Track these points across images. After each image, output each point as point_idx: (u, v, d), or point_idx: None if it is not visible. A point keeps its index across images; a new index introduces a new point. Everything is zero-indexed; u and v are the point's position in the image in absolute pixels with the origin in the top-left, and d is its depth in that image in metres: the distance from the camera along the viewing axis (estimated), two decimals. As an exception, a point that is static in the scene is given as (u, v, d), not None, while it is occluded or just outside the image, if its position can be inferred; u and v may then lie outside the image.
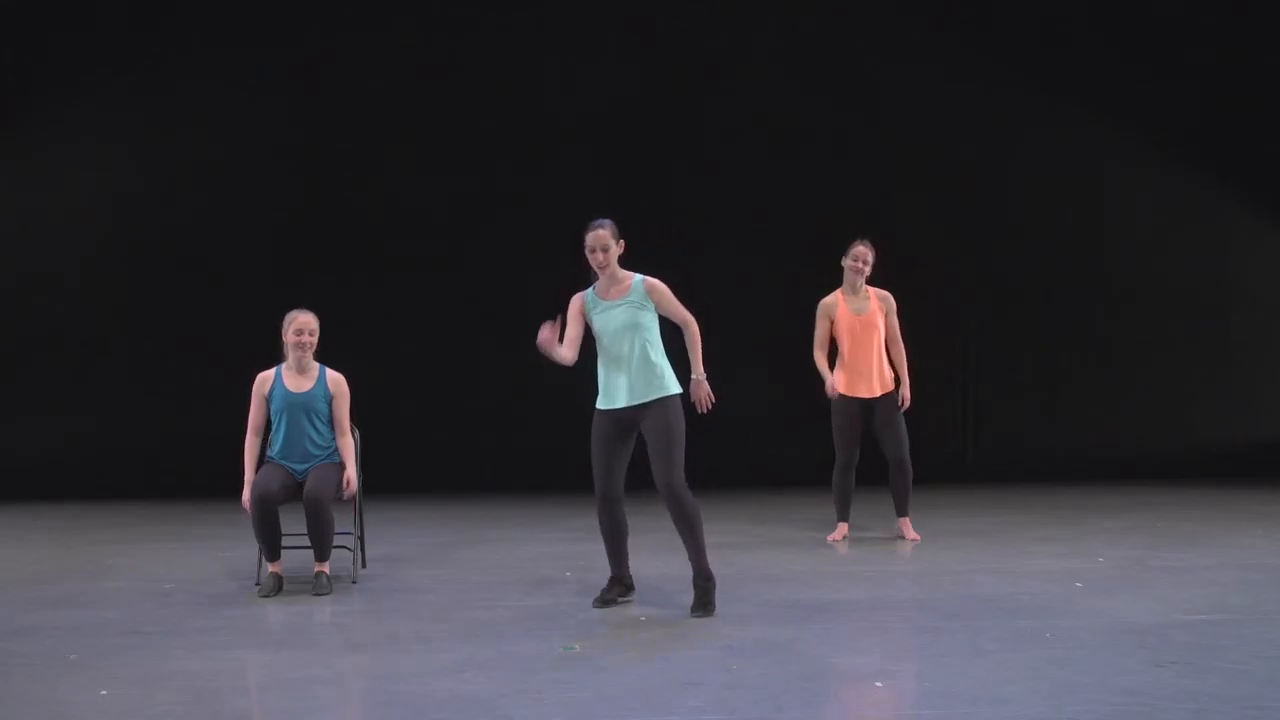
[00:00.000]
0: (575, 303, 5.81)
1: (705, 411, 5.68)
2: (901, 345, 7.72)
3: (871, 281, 7.75)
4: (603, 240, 5.66)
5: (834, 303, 7.70)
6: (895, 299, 7.76)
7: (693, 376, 5.66)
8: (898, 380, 7.74)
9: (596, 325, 5.72)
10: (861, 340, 7.62)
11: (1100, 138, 11.64)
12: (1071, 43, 11.53)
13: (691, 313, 5.73)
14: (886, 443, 7.71)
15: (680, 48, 11.16)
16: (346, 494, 6.32)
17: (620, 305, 5.67)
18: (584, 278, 5.87)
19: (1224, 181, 11.85)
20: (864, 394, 7.64)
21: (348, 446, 6.38)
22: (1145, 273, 11.73)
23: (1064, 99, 11.56)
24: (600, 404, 5.75)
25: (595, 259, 5.67)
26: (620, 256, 5.73)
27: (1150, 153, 11.77)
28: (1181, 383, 11.72)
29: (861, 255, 7.61)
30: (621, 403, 5.66)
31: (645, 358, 5.63)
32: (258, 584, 6.31)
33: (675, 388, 5.66)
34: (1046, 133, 11.61)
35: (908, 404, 7.72)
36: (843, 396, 7.68)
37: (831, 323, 7.69)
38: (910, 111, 11.37)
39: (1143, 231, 11.73)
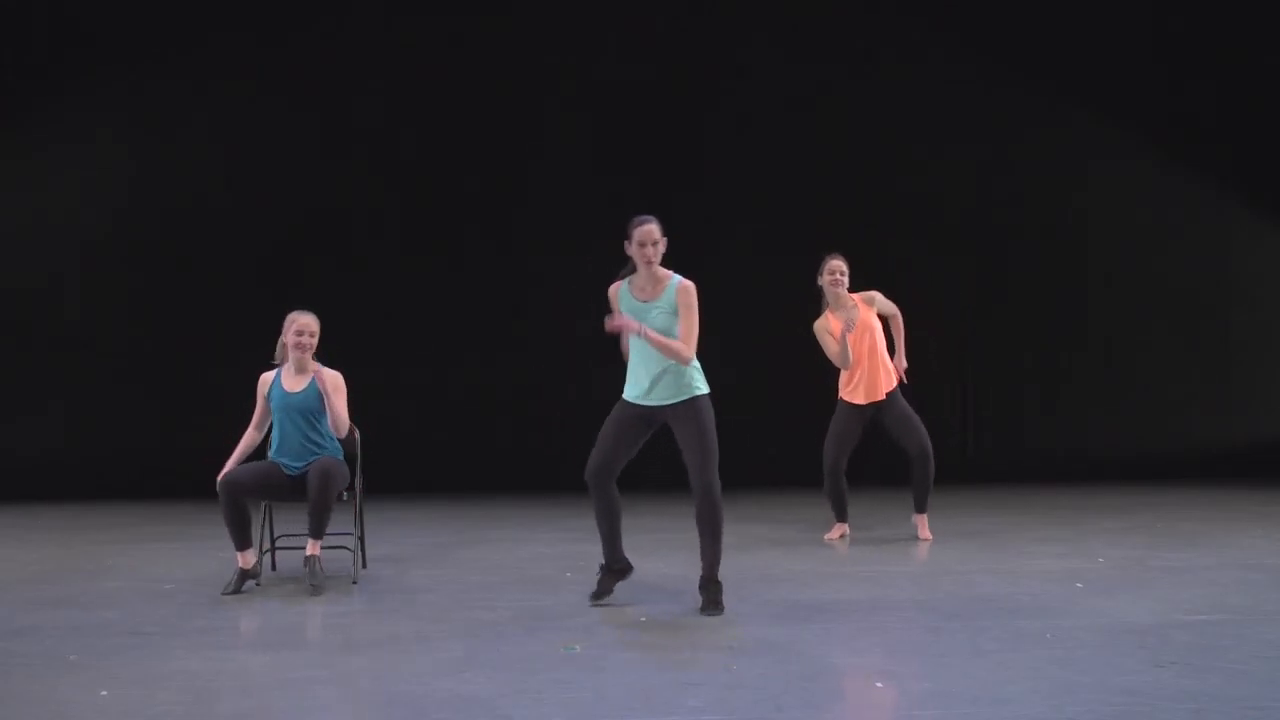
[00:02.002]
0: (612, 297, 5.74)
1: (610, 323, 5.53)
2: (899, 316, 7.67)
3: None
4: (653, 235, 5.59)
5: (825, 323, 7.68)
6: (894, 299, 7.75)
7: (640, 326, 5.49)
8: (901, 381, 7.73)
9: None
10: (860, 348, 7.60)
11: (1100, 137, 11.65)
12: (1071, 43, 11.53)
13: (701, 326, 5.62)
14: (907, 438, 7.70)
15: (680, 48, 11.17)
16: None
17: (655, 309, 5.60)
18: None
19: (1224, 181, 11.85)
20: (872, 398, 7.64)
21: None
22: (1145, 273, 11.73)
23: (1064, 99, 11.56)
24: (627, 394, 5.71)
25: (646, 253, 5.57)
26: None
27: (1150, 153, 11.77)
28: (1181, 383, 11.72)
29: (836, 269, 7.59)
30: (649, 401, 5.64)
31: (676, 363, 5.59)
32: (258, 583, 6.33)
33: (704, 387, 5.64)
34: (1046, 133, 11.61)
35: (902, 375, 7.68)
36: (848, 404, 7.69)
37: (834, 337, 7.68)
38: (910, 111, 11.37)
39: (1143, 231, 11.73)
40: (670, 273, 5.67)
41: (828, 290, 7.64)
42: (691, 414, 5.58)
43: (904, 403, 7.71)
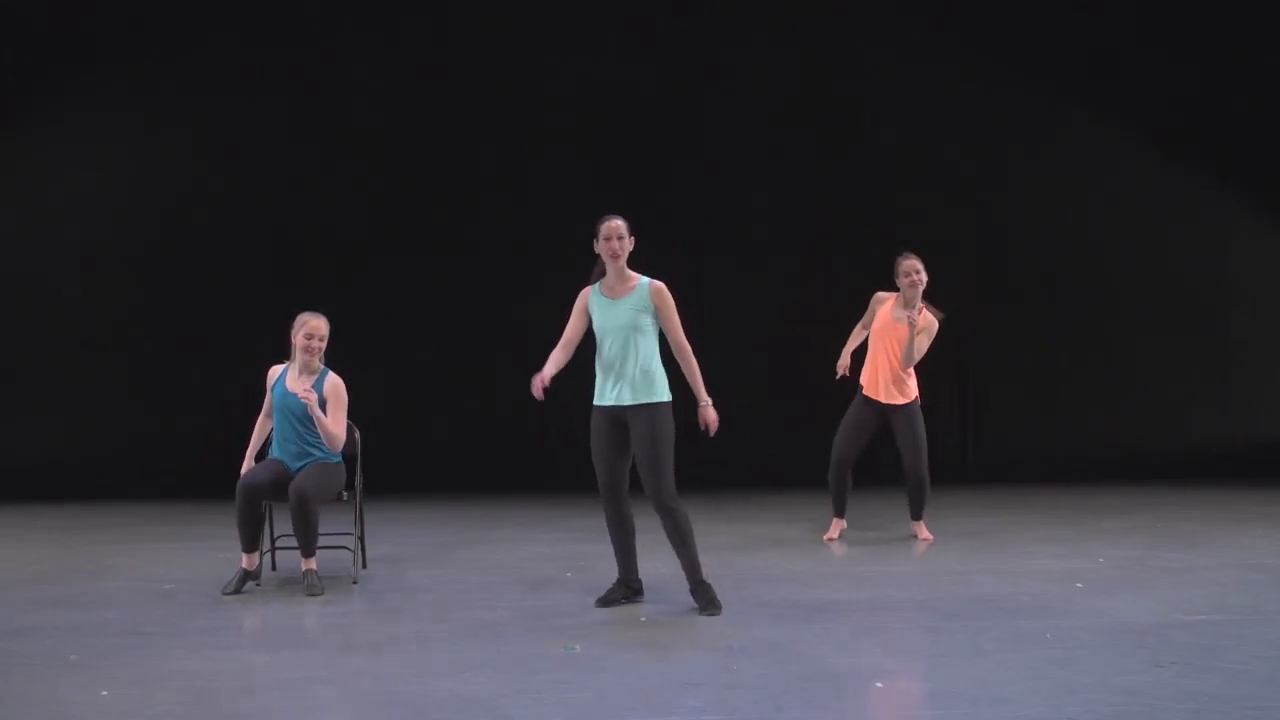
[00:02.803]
0: (580, 300, 5.83)
1: (713, 435, 5.65)
2: (913, 361, 7.51)
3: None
4: (619, 229, 5.68)
5: (885, 298, 7.69)
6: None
7: (700, 403, 5.65)
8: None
9: (598, 322, 5.74)
10: (890, 347, 7.58)
11: (1100, 138, 11.64)
12: (1072, 43, 11.52)
13: (688, 318, 5.72)
14: (905, 454, 7.68)
15: (680, 48, 11.16)
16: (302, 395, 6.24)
17: (623, 305, 5.67)
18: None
19: (1224, 181, 11.85)
20: (883, 399, 7.64)
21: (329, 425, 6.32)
22: (1145, 273, 11.73)
23: (1064, 99, 11.56)
24: (595, 400, 5.77)
25: (610, 246, 5.66)
26: (630, 255, 5.74)
27: (1150, 153, 11.77)
28: (1181, 383, 11.72)
29: (912, 269, 7.49)
30: (611, 401, 5.68)
31: (640, 360, 5.64)
32: (258, 583, 6.33)
33: (665, 395, 5.66)
34: (1046, 133, 11.61)
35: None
36: (865, 396, 7.70)
37: (875, 318, 7.69)
38: (910, 111, 11.37)
39: (1143, 231, 11.72)
40: (638, 274, 5.74)
41: (904, 291, 7.56)
42: (649, 421, 5.60)
43: (915, 420, 7.65)
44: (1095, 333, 11.70)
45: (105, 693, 4.42)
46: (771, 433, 10.77)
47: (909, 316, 7.41)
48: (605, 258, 5.70)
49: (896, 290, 7.65)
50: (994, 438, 11.59)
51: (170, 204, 10.81)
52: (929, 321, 7.58)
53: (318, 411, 6.22)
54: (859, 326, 7.83)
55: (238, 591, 6.18)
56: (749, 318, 10.72)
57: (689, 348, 5.68)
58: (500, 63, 11.03)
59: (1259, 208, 11.98)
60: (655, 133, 11.03)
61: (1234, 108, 11.64)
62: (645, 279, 5.72)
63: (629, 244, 5.71)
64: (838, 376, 7.81)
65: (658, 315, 5.66)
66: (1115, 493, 10.10)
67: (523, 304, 10.97)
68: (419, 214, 10.98)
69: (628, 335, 5.64)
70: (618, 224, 5.70)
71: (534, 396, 5.67)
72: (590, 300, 5.79)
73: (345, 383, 6.45)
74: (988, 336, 11.55)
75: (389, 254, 10.91)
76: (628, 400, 5.63)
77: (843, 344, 7.87)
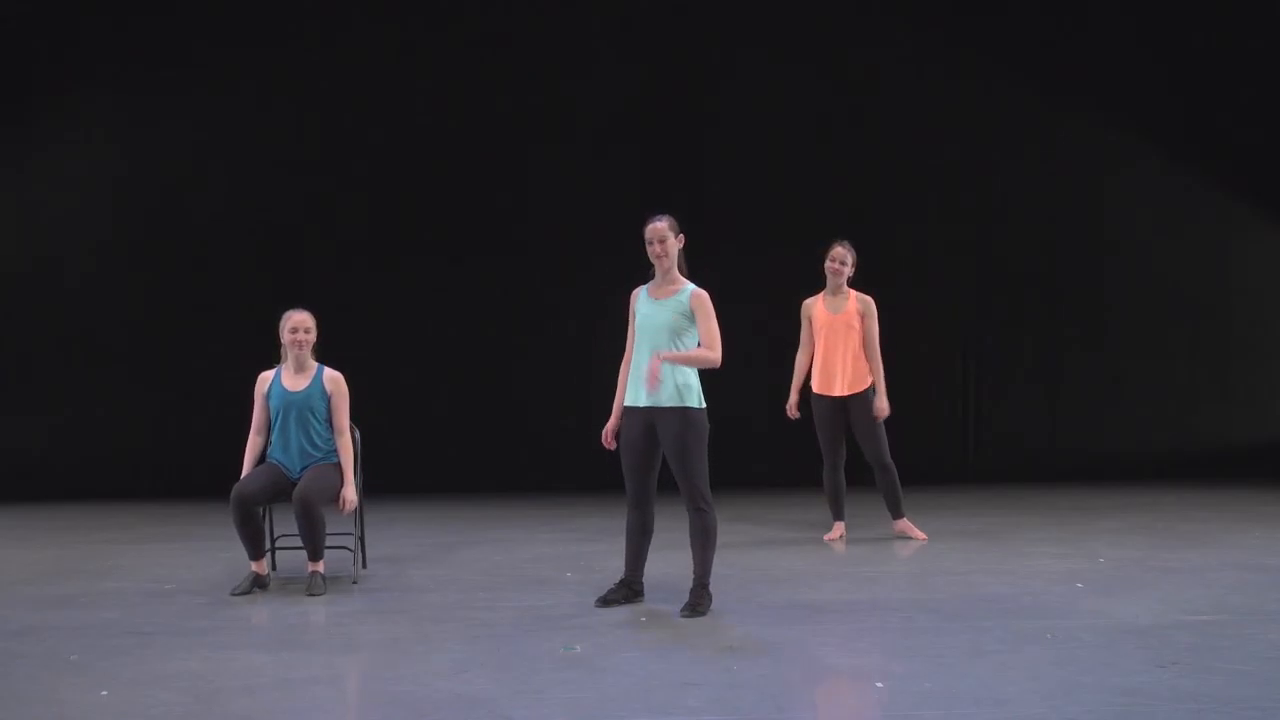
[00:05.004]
0: (631, 300, 5.83)
1: (650, 372, 5.50)
2: (878, 352, 7.64)
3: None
4: (660, 232, 5.65)
5: (813, 302, 7.82)
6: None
7: (662, 354, 5.50)
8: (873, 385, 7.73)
9: (639, 320, 5.72)
10: (835, 339, 7.66)
11: (1099, 138, 11.64)
12: (1070, 43, 11.52)
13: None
14: (864, 446, 7.75)
15: (679, 49, 11.15)
16: (345, 511, 6.32)
17: (666, 306, 5.65)
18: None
19: (1224, 181, 11.85)
20: (836, 392, 7.68)
21: (345, 448, 6.37)
22: (1145, 272, 11.73)
23: (1063, 99, 11.55)
24: (626, 400, 5.75)
25: (652, 250, 5.66)
26: (680, 250, 5.71)
27: (1149, 153, 11.77)
28: (1181, 383, 11.72)
29: (838, 256, 7.66)
30: (642, 401, 5.66)
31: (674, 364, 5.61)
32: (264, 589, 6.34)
33: (699, 401, 5.64)
34: (1046, 133, 11.61)
35: (884, 414, 7.65)
36: (818, 396, 7.77)
37: (811, 322, 7.77)
38: (909, 111, 11.37)
39: (1142, 231, 11.72)
40: (687, 281, 5.72)
41: (829, 275, 7.71)
42: (679, 427, 5.58)
43: (867, 410, 7.67)
44: (1095, 333, 11.70)
45: (105, 693, 4.43)
46: (771, 432, 10.76)
47: (876, 406, 7.61)
48: (651, 259, 5.69)
49: (815, 292, 7.80)
50: (994, 438, 11.59)
51: (171, 205, 10.80)
52: (867, 304, 7.67)
53: (350, 494, 6.29)
54: (800, 354, 7.84)
55: (248, 593, 6.18)
56: (749, 316, 10.71)
57: (712, 352, 5.58)
58: (499, 64, 11.02)
59: (1259, 208, 11.97)
60: (655, 134, 11.02)
61: (1234, 107, 11.63)
62: (691, 285, 5.68)
63: (674, 245, 5.67)
64: (792, 417, 7.86)
65: (694, 318, 5.61)
66: (1115, 493, 10.10)
67: (523, 304, 10.99)
68: (418, 214, 10.97)
69: (665, 337, 5.60)
70: (659, 226, 5.66)
71: (605, 446, 5.78)
72: (638, 299, 5.78)
73: (343, 380, 6.46)
74: (988, 336, 11.56)
75: (389, 254, 10.91)
76: (661, 402, 5.60)
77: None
